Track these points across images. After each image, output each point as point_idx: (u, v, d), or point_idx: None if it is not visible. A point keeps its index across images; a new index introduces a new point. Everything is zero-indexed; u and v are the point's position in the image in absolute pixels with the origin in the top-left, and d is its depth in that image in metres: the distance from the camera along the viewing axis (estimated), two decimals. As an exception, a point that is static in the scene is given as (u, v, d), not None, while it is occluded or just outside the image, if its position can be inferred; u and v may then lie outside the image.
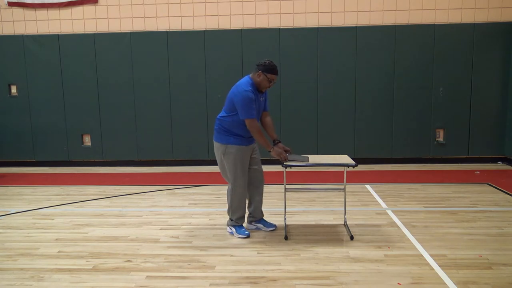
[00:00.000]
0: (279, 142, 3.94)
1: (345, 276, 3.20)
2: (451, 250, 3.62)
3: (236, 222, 4.05)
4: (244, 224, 4.16)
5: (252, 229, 4.16)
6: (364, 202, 5.04)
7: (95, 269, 3.38)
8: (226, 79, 7.07)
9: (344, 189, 4.20)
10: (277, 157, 3.86)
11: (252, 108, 3.70)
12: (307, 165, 3.93)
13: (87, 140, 7.41)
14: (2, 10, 7.29)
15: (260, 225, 4.17)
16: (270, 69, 3.74)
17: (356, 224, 4.28)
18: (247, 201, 4.13)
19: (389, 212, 4.65)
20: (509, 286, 3.02)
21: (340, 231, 4.12)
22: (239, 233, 4.00)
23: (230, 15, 7.09)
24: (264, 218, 4.23)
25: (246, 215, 4.19)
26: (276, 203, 5.06)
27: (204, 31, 7.03)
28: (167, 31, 7.07)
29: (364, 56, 6.95)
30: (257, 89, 3.81)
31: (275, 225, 4.19)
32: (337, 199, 5.12)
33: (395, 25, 6.90)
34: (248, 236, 3.99)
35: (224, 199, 5.26)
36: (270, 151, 3.85)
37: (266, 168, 6.94)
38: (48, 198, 5.49)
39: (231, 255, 3.60)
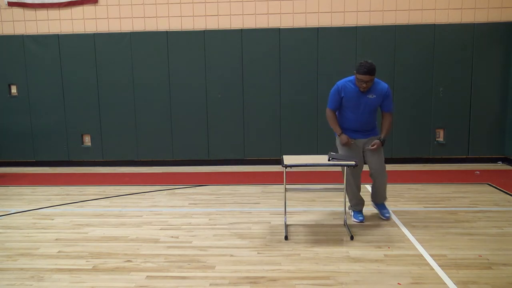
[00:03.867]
0: (379, 139, 4.23)
1: (345, 276, 3.20)
2: (451, 250, 3.62)
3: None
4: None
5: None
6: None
7: (95, 269, 3.38)
8: (226, 79, 7.10)
9: (344, 189, 4.20)
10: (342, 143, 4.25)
11: (332, 100, 4.21)
12: (307, 165, 3.94)
13: (87, 140, 7.41)
14: (2, 10, 7.28)
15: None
16: (357, 68, 4.02)
17: (356, 224, 4.28)
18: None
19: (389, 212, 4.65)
20: (509, 286, 3.02)
21: (340, 231, 4.12)
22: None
23: (230, 15, 7.09)
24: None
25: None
26: (276, 203, 5.06)
27: (204, 31, 7.04)
28: (167, 31, 7.07)
29: (364, 56, 6.91)
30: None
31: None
32: (337, 199, 5.12)
33: (395, 25, 6.90)
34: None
35: (224, 199, 5.28)
36: (338, 135, 4.29)
37: (266, 168, 6.99)
38: (48, 198, 5.49)
39: (231, 255, 3.60)
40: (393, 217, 4.47)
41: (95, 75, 7.18)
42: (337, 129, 4.26)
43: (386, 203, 4.52)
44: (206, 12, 7.11)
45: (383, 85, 4.15)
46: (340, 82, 4.18)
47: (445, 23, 6.91)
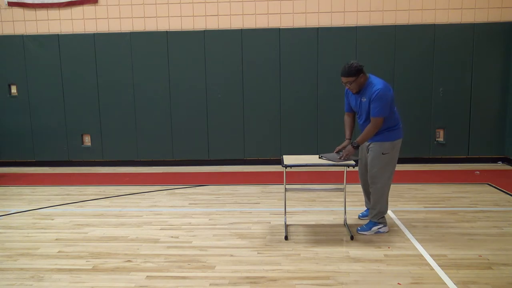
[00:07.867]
0: (349, 142, 4.08)
1: (345, 276, 3.20)
2: (451, 250, 3.62)
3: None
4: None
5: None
6: (364, 202, 5.03)
7: (95, 269, 3.38)
8: (226, 79, 7.10)
9: (344, 189, 4.20)
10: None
11: (344, 103, 4.25)
12: (307, 165, 3.93)
13: (87, 140, 7.41)
14: (2, 10, 7.28)
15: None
16: None
17: (356, 224, 4.28)
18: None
19: (389, 212, 4.64)
20: (509, 286, 3.02)
21: (340, 231, 4.12)
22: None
23: (230, 15, 7.09)
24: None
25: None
26: (276, 203, 5.06)
27: (204, 31, 7.03)
28: (167, 31, 7.07)
29: (364, 56, 6.94)
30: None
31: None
32: (337, 199, 5.12)
33: (395, 25, 6.90)
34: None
35: (224, 199, 5.27)
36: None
37: (266, 168, 6.99)
38: (48, 198, 5.50)
39: (231, 255, 3.60)
40: (393, 217, 4.47)
41: (95, 75, 7.18)
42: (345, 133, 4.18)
43: (388, 202, 4.40)
44: (206, 12, 7.11)
45: (375, 88, 3.82)
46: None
47: (445, 23, 6.91)
